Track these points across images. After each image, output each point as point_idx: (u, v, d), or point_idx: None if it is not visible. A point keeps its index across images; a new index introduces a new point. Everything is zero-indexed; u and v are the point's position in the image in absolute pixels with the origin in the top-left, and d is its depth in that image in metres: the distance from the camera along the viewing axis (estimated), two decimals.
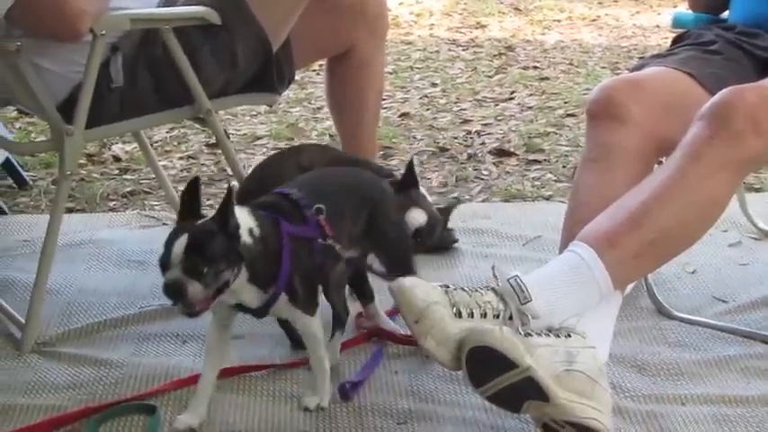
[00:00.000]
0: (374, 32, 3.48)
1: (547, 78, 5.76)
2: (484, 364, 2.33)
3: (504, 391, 2.35)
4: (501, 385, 2.34)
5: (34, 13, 2.89)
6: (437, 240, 3.48)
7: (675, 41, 3.05)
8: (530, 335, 2.36)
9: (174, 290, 2.32)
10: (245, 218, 2.44)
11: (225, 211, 2.36)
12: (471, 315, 2.38)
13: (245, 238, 2.41)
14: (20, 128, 4.92)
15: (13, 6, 2.84)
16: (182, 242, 2.32)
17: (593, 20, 7.28)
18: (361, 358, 2.85)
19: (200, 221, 2.38)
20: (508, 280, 2.43)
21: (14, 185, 4.26)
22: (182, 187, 4.11)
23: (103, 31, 2.92)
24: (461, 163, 4.48)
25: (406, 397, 2.70)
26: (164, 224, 3.81)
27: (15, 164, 4.26)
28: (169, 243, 2.34)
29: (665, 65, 2.82)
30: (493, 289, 2.44)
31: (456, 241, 3.56)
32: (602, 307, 2.48)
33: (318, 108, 5.22)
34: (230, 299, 2.47)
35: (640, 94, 2.70)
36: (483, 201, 4.10)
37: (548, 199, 4.09)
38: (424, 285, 2.41)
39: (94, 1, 2.91)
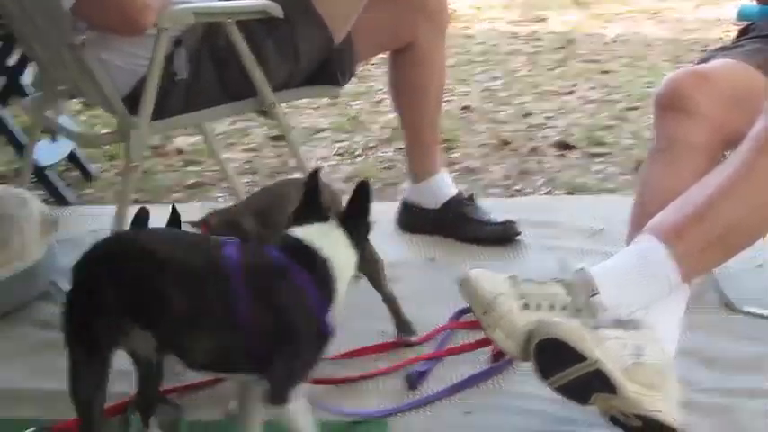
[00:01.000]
0: (435, 26, 3.47)
1: (608, 71, 5.71)
2: (552, 356, 2.31)
3: (572, 383, 2.34)
4: (569, 377, 2.33)
5: (99, 8, 2.92)
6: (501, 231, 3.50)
7: (741, 34, 3.01)
8: (598, 327, 2.35)
9: None
10: None
11: None
12: (539, 307, 2.37)
13: None
14: (84, 120, 4.96)
15: (79, 0, 2.86)
16: None
17: (655, 13, 7.21)
18: (428, 349, 2.85)
19: None
20: (575, 272, 2.42)
21: (81, 177, 4.29)
22: (245, 179, 4.18)
23: (167, 26, 2.94)
24: (524, 156, 4.46)
25: (473, 387, 2.69)
26: None
27: (79, 156, 4.30)
28: None
29: (732, 57, 2.79)
30: (560, 281, 2.42)
31: (519, 234, 3.54)
32: (670, 299, 2.45)
33: (379, 101, 5.21)
34: None
35: (708, 87, 2.67)
36: (546, 194, 4.07)
37: (612, 192, 4.06)
38: (491, 276, 2.40)
39: None
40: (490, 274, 2.41)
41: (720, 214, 2.44)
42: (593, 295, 2.39)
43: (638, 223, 2.55)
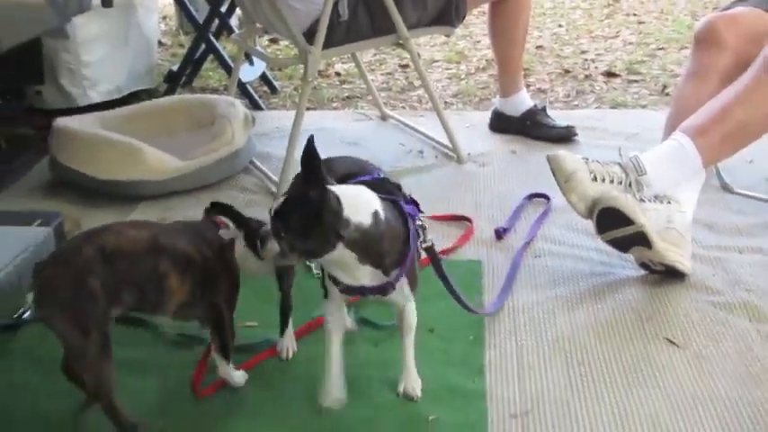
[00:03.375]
0: None
1: (643, 22, 5.51)
2: (609, 218, 2.29)
3: (619, 239, 2.32)
4: (619, 235, 2.31)
5: None
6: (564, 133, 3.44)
7: None
8: (643, 201, 2.32)
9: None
10: (372, 199, 1.72)
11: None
12: (603, 180, 2.34)
13: (367, 219, 1.68)
14: (270, 52, 4.95)
15: None
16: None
17: None
18: (509, 212, 2.83)
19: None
20: (629, 158, 2.38)
21: (268, 91, 4.30)
22: (383, 94, 4.15)
23: None
24: (580, 81, 4.35)
25: (541, 240, 2.68)
26: (369, 119, 3.80)
27: (268, 76, 4.31)
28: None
29: (750, 6, 2.69)
30: (618, 163, 2.38)
31: (576, 135, 3.47)
32: (692, 181, 2.40)
33: (477, 41, 5.10)
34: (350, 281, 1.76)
35: (735, 26, 2.58)
36: (596, 108, 3.97)
37: (644, 107, 3.94)
38: (572, 156, 2.37)
39: None
40: (571, 154, 2.38)
41: (734, 117, 2.36)
42: (641, 175, 2.35)
43: (672, 125, 2.49)
